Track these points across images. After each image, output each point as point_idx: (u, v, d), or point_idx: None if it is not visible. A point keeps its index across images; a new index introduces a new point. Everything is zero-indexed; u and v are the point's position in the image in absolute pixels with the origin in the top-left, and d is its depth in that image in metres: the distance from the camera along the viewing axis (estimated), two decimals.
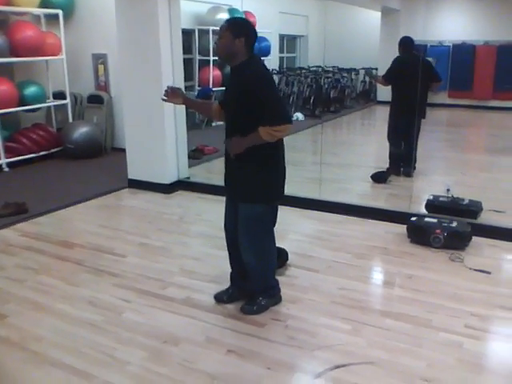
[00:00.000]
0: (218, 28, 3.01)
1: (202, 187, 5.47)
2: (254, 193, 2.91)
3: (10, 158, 6.49)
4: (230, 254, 3.20)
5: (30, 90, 6.77)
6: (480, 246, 4.05)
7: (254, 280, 3.13)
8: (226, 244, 3.18)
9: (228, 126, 2.97)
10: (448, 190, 4.58)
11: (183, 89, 5.52)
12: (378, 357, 2.64)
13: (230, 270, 3.25)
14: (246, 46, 2.81)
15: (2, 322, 3.00)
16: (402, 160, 6.15)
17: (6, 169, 6.43)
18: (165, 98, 3.15)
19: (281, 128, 2.73)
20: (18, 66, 7.13)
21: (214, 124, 8.90)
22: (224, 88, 3.25)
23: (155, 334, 2.86)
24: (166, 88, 3.15)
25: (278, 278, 3.27)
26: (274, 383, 2.49)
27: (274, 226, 3.14)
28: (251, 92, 2.73)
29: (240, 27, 2.83)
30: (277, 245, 3.34)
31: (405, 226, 4.23)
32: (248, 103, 2.75)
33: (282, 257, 3.65)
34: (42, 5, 6.91)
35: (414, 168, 6.11)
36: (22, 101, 6.65)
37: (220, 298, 3.21)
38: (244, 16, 9.55)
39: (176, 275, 3.60)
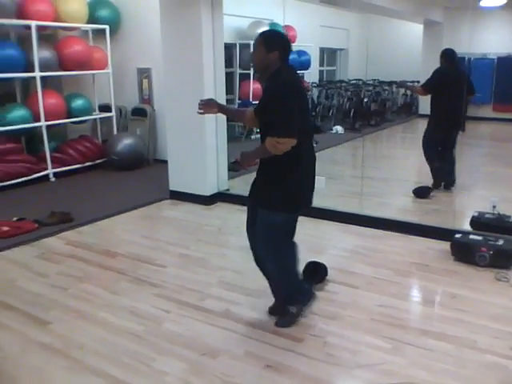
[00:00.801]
0: None
1: (241, 199, 5.48)
2: (273, 200, 2.86)
3: (57, 168, 6.71)
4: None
5: (78, 103, 7.02)
6: None
7: (278, 287, 3.11)
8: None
9: (260, 133, 2.98)
10: (494, 206, 4.45)
11: (225, 102, 5.60)
12: (419, 377, 2.57)
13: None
14: (280, 59, 2.80)
15: (45, 329, 3.08)
16: (445, 172, 6.04)
17: (53, 179, 6.63)
18: (200, 111, 3.14)
19: (284, 140, 2.69)
20: (67, 80, 7.41)
21: (253, 137, 8.96)
22: None
23: (194, 346, 2.88)
24: (199, 102, 3.15)
25: (318, 293, 3.24)
26: None
27: (293, 237, 3.07)
28: (268, 102, 2.76)
29: (273, 40, 2.82)
30: (316, 260, 3.32)
31: (448, 243, 4.12)
32: (267, 113, 2.77)
33: (321, 272, 3.62)
34: (90, 20, 7.16)
35: (454, 181, 5.99)
36: (70, 113, 6.90)
37: (269, 311, 3.22)
38: (284, 30, 9.66)
39: (215, 287, 3.62)
